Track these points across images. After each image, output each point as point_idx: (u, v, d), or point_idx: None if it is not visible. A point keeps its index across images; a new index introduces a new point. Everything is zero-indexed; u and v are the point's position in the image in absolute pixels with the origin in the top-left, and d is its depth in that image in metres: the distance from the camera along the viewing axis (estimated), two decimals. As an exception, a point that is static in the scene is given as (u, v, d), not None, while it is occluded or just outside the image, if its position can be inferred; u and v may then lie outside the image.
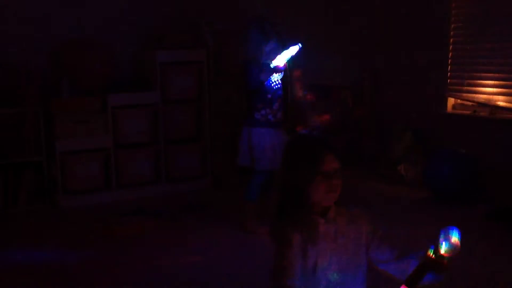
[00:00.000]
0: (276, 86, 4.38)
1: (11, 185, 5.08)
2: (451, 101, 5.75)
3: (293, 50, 4.23)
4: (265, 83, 4.30)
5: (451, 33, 5.63)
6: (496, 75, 5.30)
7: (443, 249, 1.94)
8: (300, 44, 4.22)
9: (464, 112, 5.62)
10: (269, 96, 4.34)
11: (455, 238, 1.94)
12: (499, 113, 5.29)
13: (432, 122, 5.79)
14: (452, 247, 1.95)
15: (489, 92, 5.38)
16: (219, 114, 5.82)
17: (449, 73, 5.69)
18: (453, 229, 1.95)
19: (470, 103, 5.57)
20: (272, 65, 4.25)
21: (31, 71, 5.22)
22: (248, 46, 4.41)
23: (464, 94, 5.60)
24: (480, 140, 5.24)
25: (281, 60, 4.25)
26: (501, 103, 5.28)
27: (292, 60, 4.30)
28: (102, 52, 5.43)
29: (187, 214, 4.91)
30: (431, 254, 1.97)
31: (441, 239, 1.95)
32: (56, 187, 5.21)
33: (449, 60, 5.67)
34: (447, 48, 5.65)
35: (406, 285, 1.98)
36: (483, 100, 5.42)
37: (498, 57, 5.27)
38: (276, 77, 4.35)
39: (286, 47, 4.24)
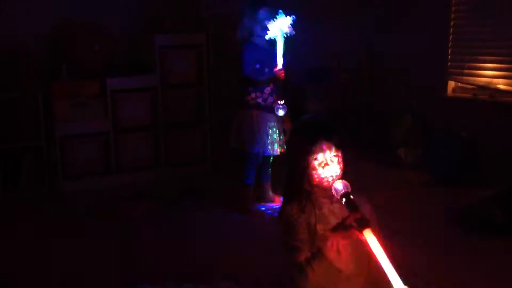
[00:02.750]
0: (269, 71, 4.32)
1: (11, 170, 5.09)
2: (451, 84, 5.73)
3: (286, 21, 4.12)
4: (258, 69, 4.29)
5: (452, 15, 5.60)
6: (497, 58, 5.29)
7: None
8: (293, 16, 4.12)
9: (465, 95, 5.60)
10: (260, 79, 4.32)
11: None
12: (499, 96, 5.28)
13: (432, 105, 5.77)
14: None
15: (489, 75, 5.36)
16: (219, 98, 5.81)
17: (449, 56, 5.67)
18: None
19: (470, 86, 5.55)
20: (267, 38, 4.19)
21: (30, 55, 5.20)
22: (239, 28, 4.39)
23: (465, 77, 5.58)
24: (480, 123, 5.23)
25: (274, 30, 4.15)
26: (501, 86, 5.27)
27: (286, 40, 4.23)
28: (101, 35, 5.40)
29: (186, 198, 4.92)
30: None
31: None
32: (56, 171, 5.21)
33: (450, 43, 5.65)
34: (447, 31, 5.63)
35: None
36: (483, 83, 5.41)
37: (499, 40, 5.25)
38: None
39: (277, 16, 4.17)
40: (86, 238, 4.15)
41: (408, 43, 5.99)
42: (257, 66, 4.32)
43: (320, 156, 2.21)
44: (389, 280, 1.96)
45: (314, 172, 2.23)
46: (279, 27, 4.13)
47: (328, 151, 2.21)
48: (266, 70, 4.34)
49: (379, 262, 1.99)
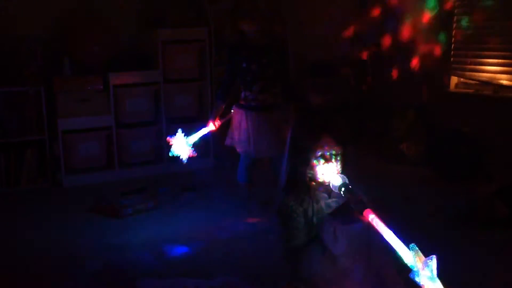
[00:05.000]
0: (256, 68, 4.18)
1: (13, 164, 5.10)
2: (454, 79, 5.72)
3: None
4: (242, 67, 4.19)
5: (455, 10, 5.58)
6: (500, 53, 5.27)
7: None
8: None
9: (467, 90, 5.59)
10: (249, 78, 4.20)
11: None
12: (502, 92, 5.26)
13: (435, 100, 5.76)
14: None
15: (492, 70, 5.34)
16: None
17: (452, 52, 5.65)
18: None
19: (473, 82, 5.54)
20: None
21: (33, 50, 5.21)
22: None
23: (467, 73, 5.57)
24: (483, 118, 5.22)
25: None
26: (504, 82, 5.26)
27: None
28: (104, 30, 5.41)
29: (188, 193, 4.92)
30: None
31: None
32: (58, 166, 5.22)
33: (453, 39, 5.63)
34: (450, 26, 5.61)
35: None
36: (486, 78, 5.39)
37: (502, 35, 5.24)
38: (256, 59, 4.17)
39: None
40: (87, 233, 4.16)
41: (411, 38, 5.98)
42: (243, 64, 4.19)
43: (321, 153, 2.22)
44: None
45: (314, 167, 2.23)
46: None
47: (329, 148, 2.22)
48: (253, 67, 4.18)
49: (383, 237, 1.98)
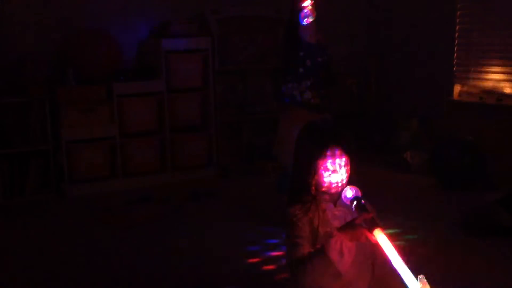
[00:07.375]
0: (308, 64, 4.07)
1: (17, 174, 5.09)
2: (457, 88, 5.72)
3: None
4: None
5: (457, 20, 5.60)
6: (503, 62, 5.28)
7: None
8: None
9: (471, 99, 5.59)
10: (301, 70, 4.07)
11: None
12: (505, 100, 5.26)
13: (438, 109, 5.77)
14: None
15: (495, 79, 5.35)
16: (224, 103, 5.82)
17: (455, 60, 5.66)
18: None
19: (476, 90, 5.54)
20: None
21: (37, 60, 5.22)
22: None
23: (471, 81, 5.57)
24: (486, 127, 5.22)
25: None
26: (507, 90, 5.26)
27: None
28: (107, 41, 5.42)
29: (192, 202, 4.92)
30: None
31: None
32: (62, 176, 5.22)
33: (456, 47, 5.64)
34: (453, 35, 5.62)
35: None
36: (489, 87, 5.40)
37: (505, 44, 5.24)
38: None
39: None
40: (91, 242, 4.16)
41: (414, 47, 6.00)
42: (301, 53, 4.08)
43: (328, 163, 2.20)
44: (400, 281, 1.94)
45: (321, 177, 2.22)
46: None
47: (336, 158, 2.20)
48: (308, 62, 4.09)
49: (390, 262, 1.96)
